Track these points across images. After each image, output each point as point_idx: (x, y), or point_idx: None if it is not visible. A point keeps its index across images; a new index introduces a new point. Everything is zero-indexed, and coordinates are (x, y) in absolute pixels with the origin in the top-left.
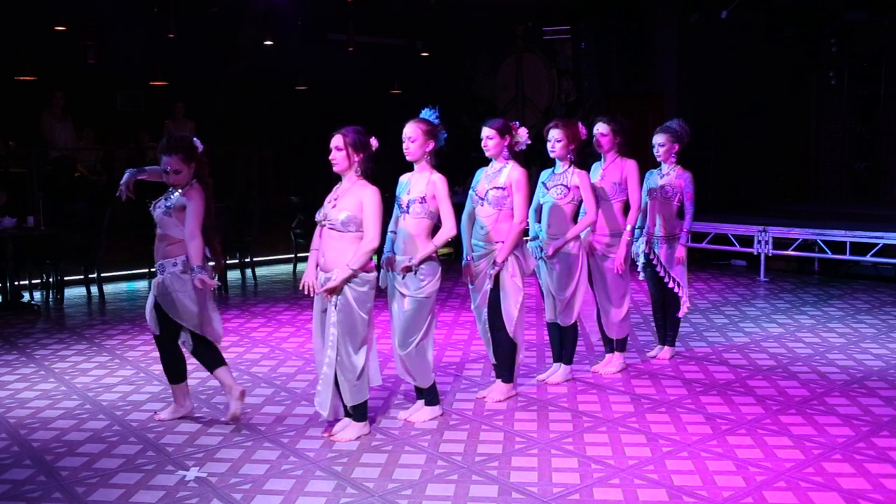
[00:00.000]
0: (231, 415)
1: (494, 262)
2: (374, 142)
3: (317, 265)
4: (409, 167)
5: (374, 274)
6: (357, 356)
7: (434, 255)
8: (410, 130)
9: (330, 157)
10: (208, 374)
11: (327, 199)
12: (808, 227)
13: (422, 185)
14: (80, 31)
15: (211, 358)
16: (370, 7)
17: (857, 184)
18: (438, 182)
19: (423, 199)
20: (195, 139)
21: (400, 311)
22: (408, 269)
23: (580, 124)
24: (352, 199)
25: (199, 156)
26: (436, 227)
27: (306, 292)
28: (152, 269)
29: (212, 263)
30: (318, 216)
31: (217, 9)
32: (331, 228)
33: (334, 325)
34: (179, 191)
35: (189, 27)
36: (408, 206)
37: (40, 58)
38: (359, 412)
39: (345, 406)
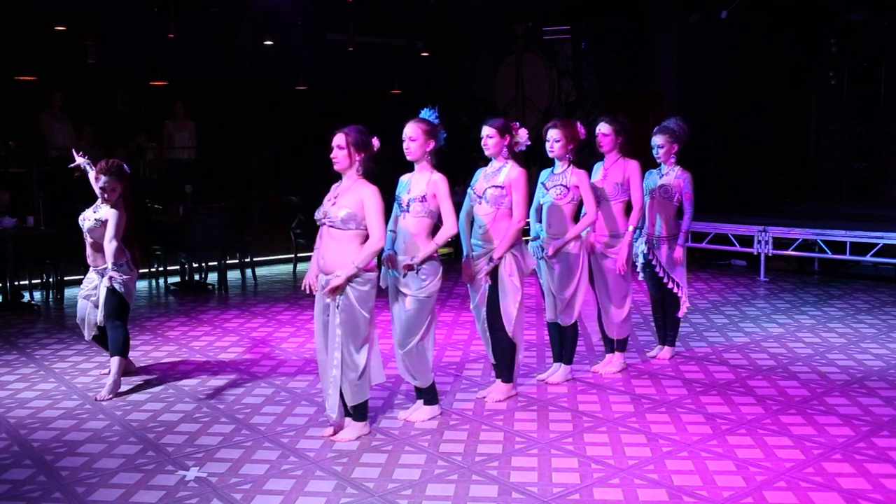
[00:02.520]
0: (99, 396)
1: (490, 259)
2: (375, 142)
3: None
4: (409, 167)
5: (376, 273)
6: (359, 355)
7: (435, 254)
8: (411, 130)
9: (331, 156)
10: (209, 373)
11: (327, 198)
12: (808, 227)
13: (422, 184)
14: (80, 31)
15: (114, 344)
16: (370, 7)
17: (857, 184)
18: (439, 181)
19: (424, 199)
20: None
21: (401, 311)
22: (409, 268)
23: (579, 124)
24: (352, 197)
25: (127, 177)
26: (436, 227)
27: (308, 292)
28: (151, 270)
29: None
30: (318, 214)
31: (217, 9)
32: (330, 226)
33: (338, 325)
34: (107, 205)
35: (189, 27)
36: (408, 206)
37: (40, 58)
38: (359, 412)
39: (345, 405)
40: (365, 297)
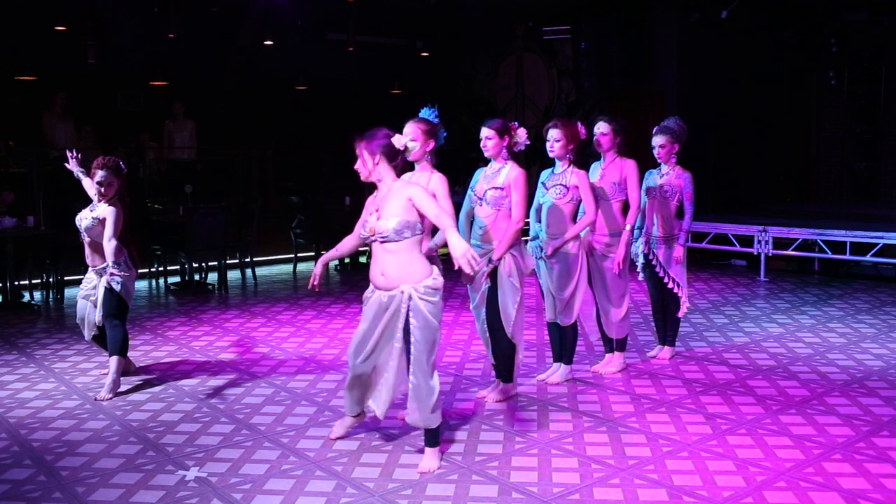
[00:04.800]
0: (98, 396)
1: (490, 259)
2: (398, 140)
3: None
4: (409, 167)
5: (442, 280)
6: (433, 379)
7: (435, 254)
8: (410, 130)
9: (354, 167)
10: (209, 373)
11: (366, 211)
12: (808, 227)
13: (422, 183)
14: (80, 31)
15: (113, 343)
16: (370, 7)
17: (857, 184)
18: (438, 181)
19: None
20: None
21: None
22: None
23: (579, 124)
24: (396, 202)
25: (124, 175)
26: (436, 227)
27: (313, 285)
28: (151, 270)
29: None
30: (364, 233)
31: (217, 9)
32: (384, 242)
33: (413, 344)
34: (104, 203)
35: (189, 27)
36: None
37: (40, 58)
38: (435, 437)
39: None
40: (437, 308)
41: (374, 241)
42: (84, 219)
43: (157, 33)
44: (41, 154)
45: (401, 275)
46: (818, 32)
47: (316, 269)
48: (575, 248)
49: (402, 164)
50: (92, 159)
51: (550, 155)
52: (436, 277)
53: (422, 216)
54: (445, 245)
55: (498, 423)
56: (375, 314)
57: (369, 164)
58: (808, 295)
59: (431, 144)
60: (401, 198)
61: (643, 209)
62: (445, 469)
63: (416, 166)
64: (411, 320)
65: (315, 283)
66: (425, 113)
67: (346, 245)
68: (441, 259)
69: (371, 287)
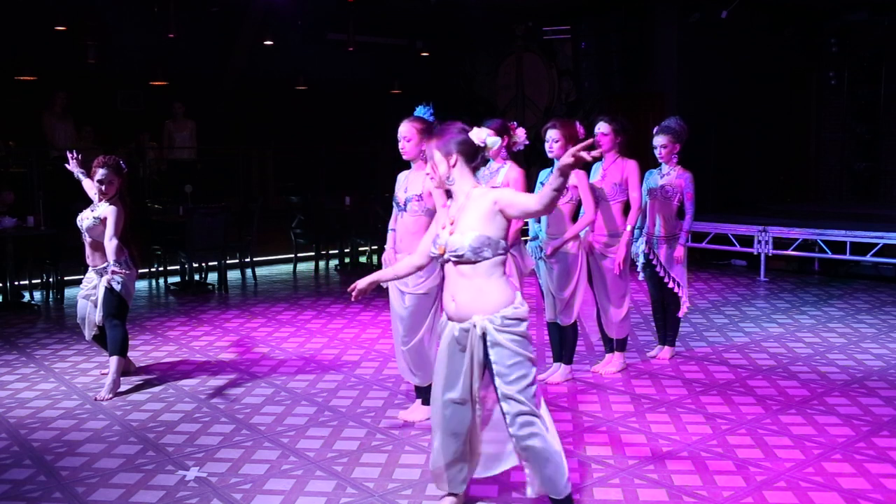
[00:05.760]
0: (98, 396)
1: None
2: (477, 135)
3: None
4: (408, 166)
5: (526, 308)
6: (550, 435)
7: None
8: (405, 130)
9: (426, 175)
10: (209, 373)
11: (438, 224)
12: (808, 227)
13: (418, 182)
14: (80, 31)
15: (113, 343)
16: (370, 7)
17: (857, 184)
18: None
19: (420, 197)
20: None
21: (401, 308)
22: None
23: (577, 123)
24: (476, 211)
25: (124, 174)
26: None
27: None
28: (151, 270)
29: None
30: (434, 250)
31: (217, 9)
32: (458, 263)
33: (501, 387)
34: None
35: (189, 27)
36: (405, 204)
37: (40, 58)
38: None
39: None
40: (526, 339)
41: (446, 260)
42: (85, 219)
43: (157, 33)
44: (41, 154)
45: (474, 303)
46: (818, 32)
47: (361, 282)
48: (574, 248)
49: (482, 163)
50: (92, 159)
51: (549, 155)
52: (517, 305)
53: (507, 233)
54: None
55: None
56: (451, 353)
57: (442, 168)
58: (808, 295)
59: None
60: (482, 206)
61: (644, 209)
62: None
63: (413, 165)
64: (492, 357)
65: (355, 292)
66: (420, 111)
67: (407, 265)
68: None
69: (444, 316)
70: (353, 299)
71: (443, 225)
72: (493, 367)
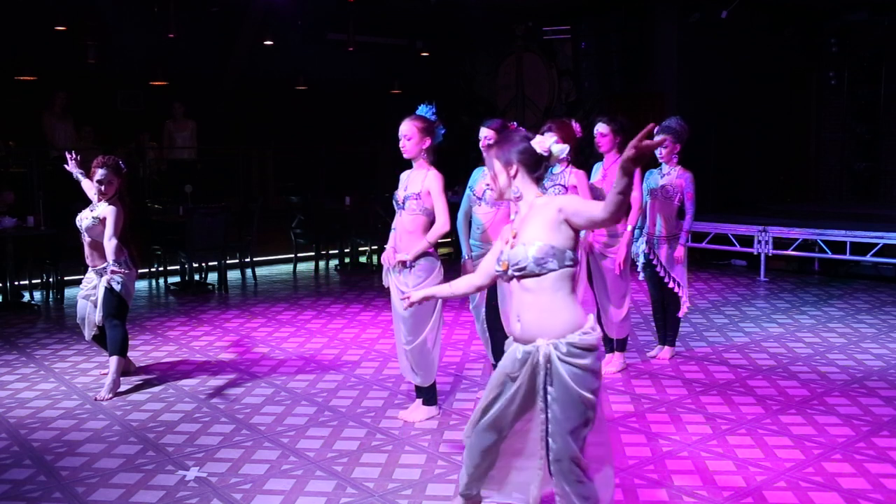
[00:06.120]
0: (98, 396)
1: None
2: (540, 143)
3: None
4: (409, 165)
5: (598, 334)
6: (592, 481)
7: (432, 251)
8: (406, 128)
9: (486, 186)
10: (209, 373)
11: (501, 240)
12: (808, 227)
13: (418, 181)
14: (80, 31)
15: (112, 343)
16: (370, 7)
17: (857, 184)
18: (433, 178)
19: (419, 196)
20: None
21: (403, 309)
22: (404, 265)
23: (574, 123)
24: (540, 221)
25: (123, 174)
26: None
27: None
28: (151, 270)
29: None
30: (498, 268)
31: (217, 9)
32: (520, 277)
33: (551, 423)
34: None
35: (189, 27)
36: (403, 203)
37: (40, 58)
38: None
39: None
40: (590, 375)
41: (510, 277)
42: (84, 219)
43: (157, 33)
44: (41, 154)
45: (539, 323)
46: (818, 32)
47: (415, 294)
48: None
49: (545, 173)
50: (92, 159)
51: None
52: (587, 331)
53: (575, 243)
54: (444, 245)
55: None
56: (507, 377)
57: (503, 179)
58: (808, 295)
59: (428, 142)
60: (546, 215)
61: (644, 209)
62: (445, 469)
63: (413, 164)
64: (550, 392)
65: (406, 304)
66: (422, 110)
67: (466, 283)
68: (441, 258)
69: (510, 338)
70: (405, 308)
71: (506, 240)
72: (549, 405)
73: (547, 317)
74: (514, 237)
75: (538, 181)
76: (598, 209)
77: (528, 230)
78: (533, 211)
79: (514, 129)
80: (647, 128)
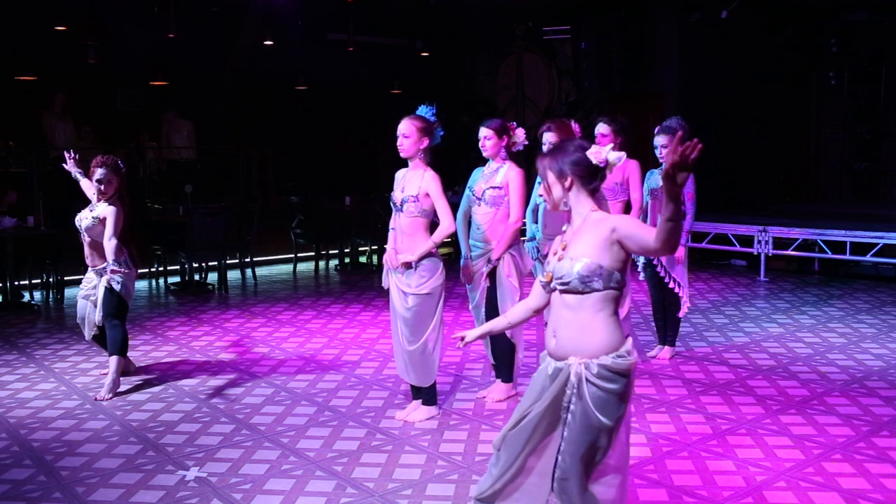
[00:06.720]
0: (98, 396)
1: (489, 260)
2: (596, 154)
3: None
4: (407, 164)
5: (632, 360)
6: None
7: (434, 251)
8: (405, 127)
9: (539, 194)
10: (209, 373)
11: (551, 251)
12: (808, 227)
13: (415, 182)
14: (80, 31)
15: (112, 343)
16: (370, 7)
17: (857, 184)
18: (430, 180)
19: (416, 198)
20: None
21: (404, 310)
22: (408, 266)
23: (573, 123)
24: (590, 238)
25: (123, 174)
26: (433, 225)
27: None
28: (151, 270)
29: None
30: (542, 278)
31: (217, 9)
32: (563, 291)
33: (564, 443)
34: (104, 202)
35: (189, 27)
36: (401, 205)
37: (40, 58)
38: None
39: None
40: (615, 400)
41: (553, 289)
42: (84, 219)
43: (157, 33)
44: (41, 154)
45: (575, 342)
46: (818, 32)
47: (469, 333)
48: None
49: (601, 185)
50: (91, 159)
51: None
52: (621, 355)
53: (625, 265)
54: (445, 244)
55: (498, 423)
56: (541, 392)
57: (557, 191)
58: (808, 295)
59: (426, 142)
60: (598, 233)
61: (645, 209)
62: (445, 469)
63: (410, 164)
64: (571, 408)
65: (461, 343)
66: (422, 110)
67: (523, 309)
68: (441, 258)
69: (545, 351)
70: (459, 346)
71: (554, 251)
72: (567, 423)
73: (584, 335)
74: (564, 249)
75: (593, 193)
76: (651, 238)
77: (577, 245)
78: (586, 225)
79: (569, 139)
80: (678, 135)
